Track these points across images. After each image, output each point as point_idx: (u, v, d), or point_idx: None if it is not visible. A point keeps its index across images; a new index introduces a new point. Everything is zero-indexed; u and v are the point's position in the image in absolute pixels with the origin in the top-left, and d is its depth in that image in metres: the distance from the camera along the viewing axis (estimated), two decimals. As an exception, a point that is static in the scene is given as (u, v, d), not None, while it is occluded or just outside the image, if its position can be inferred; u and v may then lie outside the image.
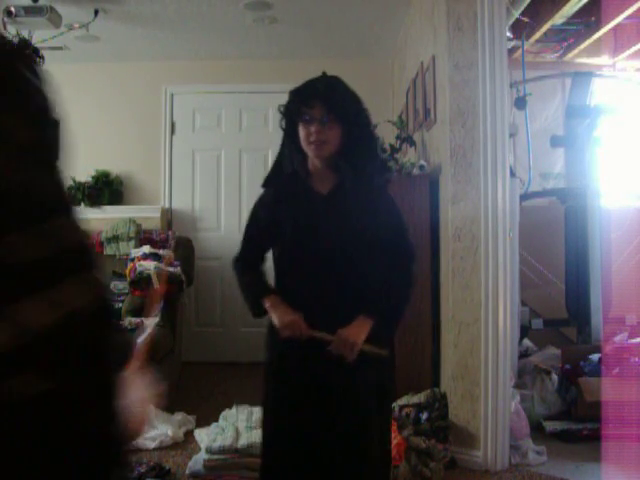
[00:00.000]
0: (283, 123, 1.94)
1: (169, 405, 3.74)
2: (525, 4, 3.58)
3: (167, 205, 5.34)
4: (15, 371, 0.46)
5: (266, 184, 2.02)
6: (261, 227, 1.96)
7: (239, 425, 3.10)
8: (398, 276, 1.93)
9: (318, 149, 1.84)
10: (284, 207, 1.91)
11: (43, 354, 0.47)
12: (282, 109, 1.94)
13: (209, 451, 2.85)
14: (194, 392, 4.33)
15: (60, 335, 0.46)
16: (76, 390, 0.50)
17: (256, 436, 2.83)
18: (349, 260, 1.85)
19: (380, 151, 2.02)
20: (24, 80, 0.52)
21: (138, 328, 3.70)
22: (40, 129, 0.52)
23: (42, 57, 4.39)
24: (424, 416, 3.01)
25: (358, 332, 1.82)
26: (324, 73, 1.95)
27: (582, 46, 4.39)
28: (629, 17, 3.85)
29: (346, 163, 1.87)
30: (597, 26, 4.11)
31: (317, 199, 1.91)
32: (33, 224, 0.44)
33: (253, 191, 2.21)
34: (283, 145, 1.97)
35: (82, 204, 5.16)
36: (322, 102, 1.83)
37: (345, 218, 1.87)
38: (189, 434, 3.38)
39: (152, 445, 3.20)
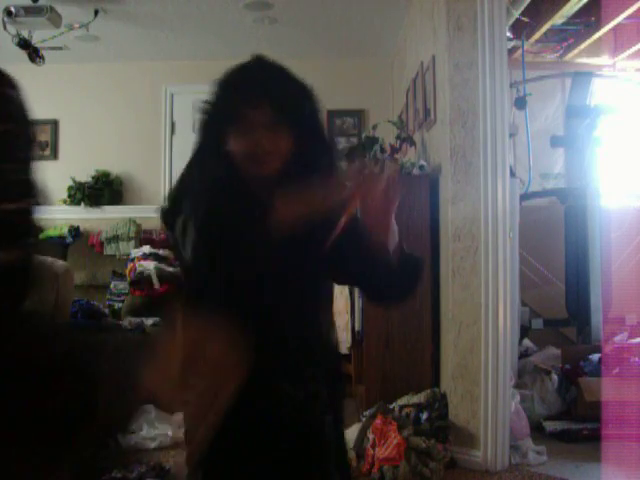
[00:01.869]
0: (203, 123, 1.39)
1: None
2: (525, 4, 3.58)
3: (167, 205, 5.34)
4: None
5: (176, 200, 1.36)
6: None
7: (239, 425, 3.10)
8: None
9: (261, 165, 1.31)
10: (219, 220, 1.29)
11: None
12: (207, 106, 1.39)
13: (209, 451, 2.85)
14: (194, 392, 4.32)
15: None
16: None
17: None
18: (308, 287, 1.36)
19: (338, 162, 1.45)
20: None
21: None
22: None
23: (42, 57, 4.39)
24: (424, 416, 3.01)
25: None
26: (258, 57, 1.43)
27: (582, 46, 4.39)
28: (629, 17, 3.85)
29: (293, 178, 1.30)
30: (597, 26, 4.11)
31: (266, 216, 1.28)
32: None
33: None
34: (200, 152, 1.38)
35: (82, 204, 5.16)
36: (270, 100, 1.31)
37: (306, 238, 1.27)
38: (189, 434, 3.38)
39: (152, 445, 3.21)
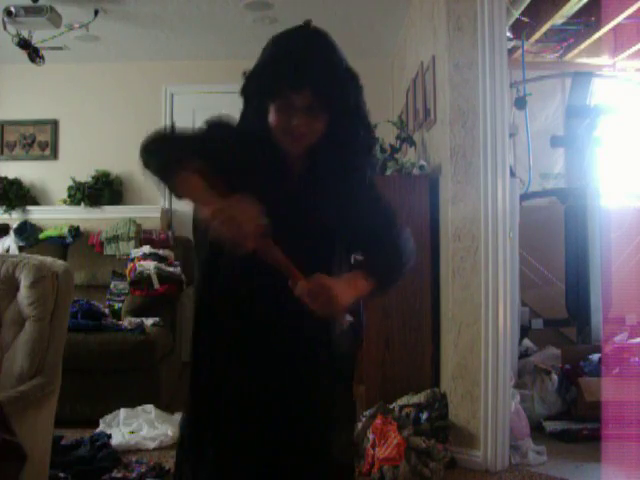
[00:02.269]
0: (247, 90, 1.42)
1: (169, 405, 3.74)
2: (525, 4, 3.58)
3: (167, 205, 5.34)
4: None
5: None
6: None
7: (239, 425, 3.10)
8: (389, 250, 1.46)
9: (296, 143, 1.39)
10: (246, 174, 1.36)
11: None
12: (251, 79, 1.41)
13: (209, 451, 2.85)
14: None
15: None
16: None
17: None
18: (322, 261, 1.40)
19: (372, 148, 1.55)
20: None
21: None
22: None
23: (42, 57, 4.40)
24: (424, 416, 3.01)
25: (347, 289, 1.31)
26: (307, 31, 1.46)
27: (582, 46, 4.39)
28: (629, 17, 3.85)
29: (326, 152, 1.43)
30: (597, 26, 4.11)
31: (290, 177, 1.43)
32: None
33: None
34: (243, 114, 1.46)
35: (82, 204, 5.16)
36: (312, 87, 1.32)
37: (323, 206, 1.42)
38: (189, 434, 3.38)
39: (152, 445, 3.20)
